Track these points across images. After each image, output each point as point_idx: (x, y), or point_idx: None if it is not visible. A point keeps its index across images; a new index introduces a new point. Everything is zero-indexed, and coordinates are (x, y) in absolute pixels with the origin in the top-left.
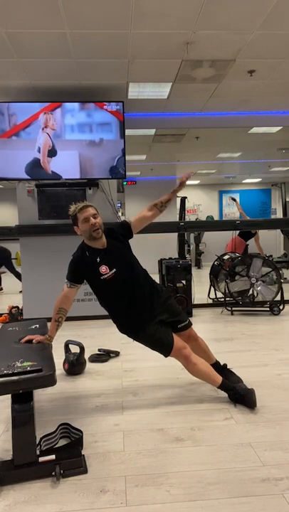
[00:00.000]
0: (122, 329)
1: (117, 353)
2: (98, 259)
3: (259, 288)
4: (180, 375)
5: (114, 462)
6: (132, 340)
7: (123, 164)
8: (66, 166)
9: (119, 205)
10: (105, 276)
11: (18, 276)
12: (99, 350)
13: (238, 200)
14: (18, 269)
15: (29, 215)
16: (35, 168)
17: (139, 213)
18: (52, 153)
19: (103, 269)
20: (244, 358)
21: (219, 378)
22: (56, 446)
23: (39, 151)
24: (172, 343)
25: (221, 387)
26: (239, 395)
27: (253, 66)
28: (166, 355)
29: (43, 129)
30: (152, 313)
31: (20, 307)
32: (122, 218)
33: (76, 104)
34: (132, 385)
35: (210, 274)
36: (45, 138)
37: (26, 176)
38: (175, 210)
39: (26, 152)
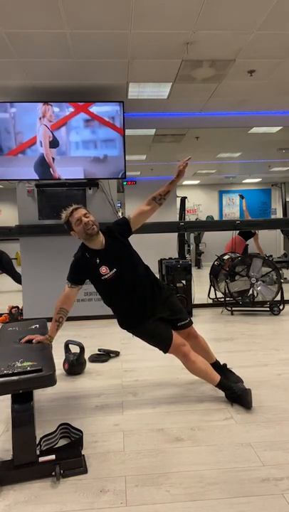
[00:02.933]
0: (123, 324)
1: (117, 353)
2: (98, 261)
3: (259, 288)
4: (180, 375)
5: (114, 462)
6: (132, 340)
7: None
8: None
9: (119, 205)
10: (106, 276)
11: (19, 279)
12: (99, 350)
13: (245, 199)
14: (18, 270)
15: (29, 215)
16: (42, 166)
17: (137, 208)
18: (53, 143)
19: (103, 269)
20: (244, 358)
21: (217, 377)
22: (56, 446)
23: (42, 145)
24: (171, 339)
25: (219, 385)
26: (236, 394)
27: (253, 66)
28: (164, 351)
29: (40, 118)
30: (153, 310)
31: (20, 307)
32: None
33: (81, 121)
34: (132, 385)
35: (210, 274)
36: (44, 130)
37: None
38: (175, 210)
39: (32, 170)
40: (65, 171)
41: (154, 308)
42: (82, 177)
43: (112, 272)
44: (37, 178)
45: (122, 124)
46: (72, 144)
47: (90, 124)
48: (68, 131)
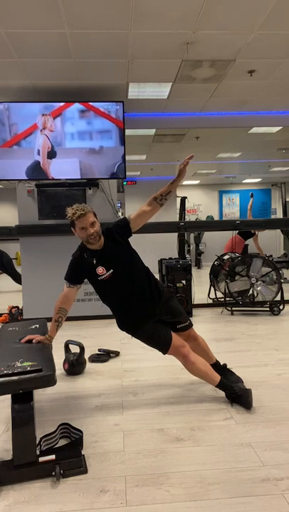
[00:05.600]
0: (121, 326)
1: (117, 353)
2: (95, 261)
3: (259, 288)
4: (180, 375)
5: (114, 462)
6: (132, 340)
7: (123, 170)
8: (67, 173)
9: (119, 205)
10: (102, 277)
11: (19, 279)
12: (99, 350)
13: (252, 199)
14: (18, 269)
15: (29, 215)
16: (35, 171)
17: (138, 209)
18: (51, 154)
19: (100, 270)
20: (244, 358)
21: (217, 377)
22: (56, 446)
23: (39, 154)
24: (170, 340)
25: (219, 385)
26: (236, 394)
27: (253, 66)
28: (164, 353)
29: (41, 130)
30: (152, 312)
31: (20, 307)
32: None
33: (76, 112)
34: (132, 385)
35: (210, 274)
36: (44, 140)
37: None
38: (175, 210)
39: (27, 162)
40: (60, 163)
41: (153, 310)
42: (78, 173)
43: (108, 273)
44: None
45: (121, 115)
46: (68, 135)
47: (85, 115)
48: (63, 122)
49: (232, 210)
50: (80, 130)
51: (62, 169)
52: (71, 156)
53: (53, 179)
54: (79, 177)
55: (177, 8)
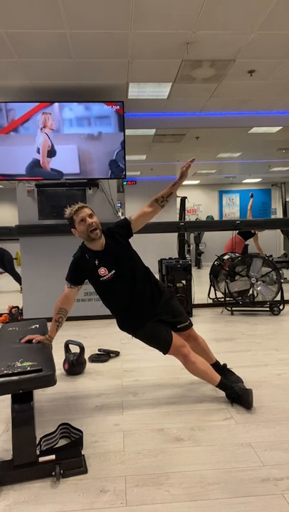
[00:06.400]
0: (122, 326)
1: (117, 353)
2: (97, 262)
3: (259, 288)
4: (180, 375)
5: (114, 462)
6: (132, 340)
7: (122, 158)
8: (65, 160)
9: (119, 205)
10: (104, 278)
11: (19, 279)
12: (99, 350)
13: (252, 199)
14: (18, 270)
15: (29, 215)
16: (35, 168)
17: (139, 210)
18: (51, 153)
19: (102, 271)
20: (244, 358)
21: (218, 377)
22: (56, 446)
23: (39, 152)
24: (170, 340)
25: (219, 385)
26: (236, 394)
27: (253, 66)
28: (164, 353)
29: (41, 129)
30: (153, 312)
31: (20, 307)
32: (122, 218)
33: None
34: (132, 385)
35: (210, 274)
36: (44, 138)
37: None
38: (175, 210)
39: (25, 148)
40: (58, 150)
41: (154, 310)
42: (76, 162)
43: (110, 274)
44: (29, 178)
45: (120, 102)
46: (66, 121)
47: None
48: (61, 107)
49: (232, 210)
50: (79, 116)
51: (60, 158)
52: (69, 143)
53: (52, 170)
54: (77, 167)
55: (177, 8)
